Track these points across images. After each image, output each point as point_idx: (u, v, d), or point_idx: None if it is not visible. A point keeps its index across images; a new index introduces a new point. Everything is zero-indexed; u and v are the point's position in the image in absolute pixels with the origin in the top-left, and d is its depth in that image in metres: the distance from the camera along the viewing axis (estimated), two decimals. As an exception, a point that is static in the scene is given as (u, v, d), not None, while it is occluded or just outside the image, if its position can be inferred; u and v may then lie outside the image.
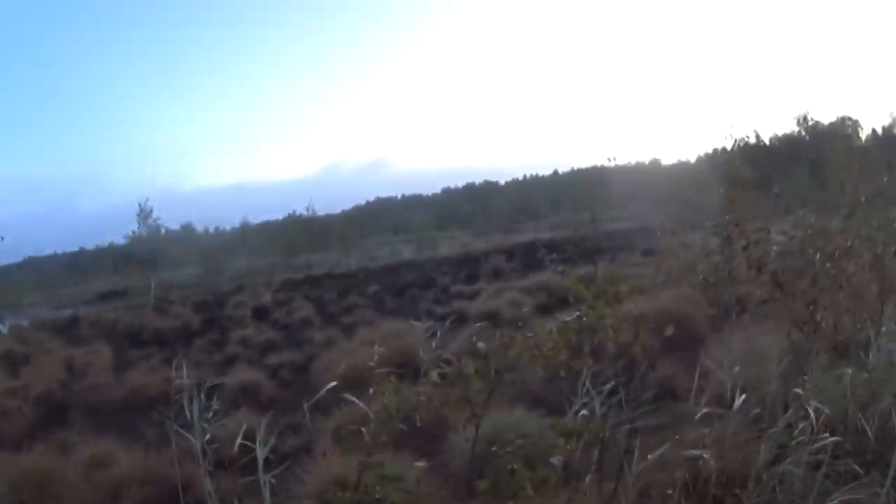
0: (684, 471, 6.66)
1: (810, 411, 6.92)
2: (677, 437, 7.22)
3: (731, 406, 7.61)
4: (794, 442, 6.76)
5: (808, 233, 10.53)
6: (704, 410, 7.48)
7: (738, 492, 6.51)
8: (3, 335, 31.78)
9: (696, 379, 8.38)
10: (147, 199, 37.88)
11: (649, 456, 6.72)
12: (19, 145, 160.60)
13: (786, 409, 7.45)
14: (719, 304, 11.22)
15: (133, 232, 37.59)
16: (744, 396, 7.63)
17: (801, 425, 6.83)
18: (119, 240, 45.17)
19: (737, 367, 8.37)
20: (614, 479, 6.61)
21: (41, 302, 44.05)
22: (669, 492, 6.51)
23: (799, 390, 7.48)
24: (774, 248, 10.64)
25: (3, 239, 22.25)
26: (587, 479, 6.96)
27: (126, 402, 17.37)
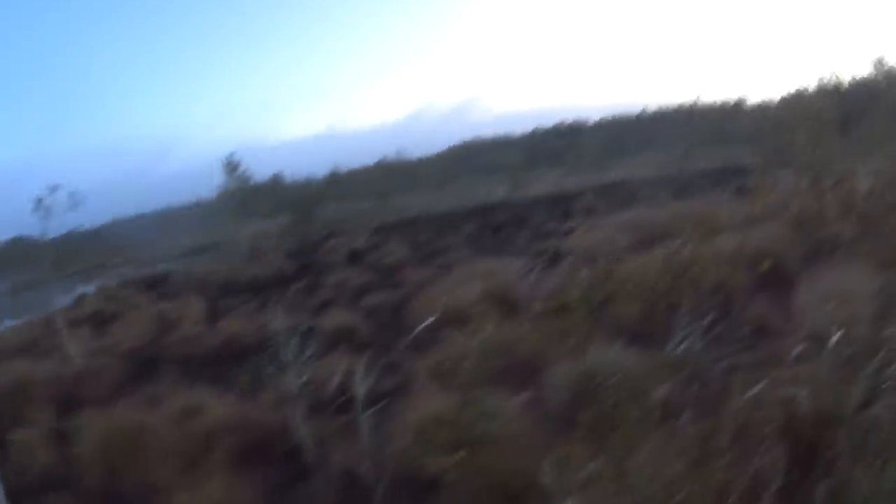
0: (779, 410, 6.62)
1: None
2: (773, 374, 7.21)
3: (824, 345, 7.58)
4: (884, 386, 6.72)
5: (892, 174, 10.44)
6: (799, 349, 7.42)
7: (831, 434, 6.45)
8: (90, 296, 31.91)
9: (789, 317, 8.32)
10: (234, 153, 37.70)
11: (747, 393, 6.70)
12: (103, 111, 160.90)
13: (876, 351, 7.41)
14: (810, 242, 11.12)
15: (221, 186, 37.34)
16: (837, 335, 7.59)
17: (891, 368, 6.78)
18: (207, 195, 44.86)
19: (829, 306, 8.32)
20: (711, 417, 6.62)
21: (129, 261, 44.26)
22: (765, 431, 6.46)
23: (890, 332, 7.43)
24: (860, 188, 10.54)
25: (82, 203, 22.19)
26: (686, 415, 7.00)
27: (219, 351, 17.39)
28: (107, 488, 10.23)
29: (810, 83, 35.53)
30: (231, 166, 35.34)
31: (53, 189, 21.37)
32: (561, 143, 62.65)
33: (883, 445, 6.05)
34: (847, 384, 7.02)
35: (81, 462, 10.75)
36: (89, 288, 34.82)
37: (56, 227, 22.65)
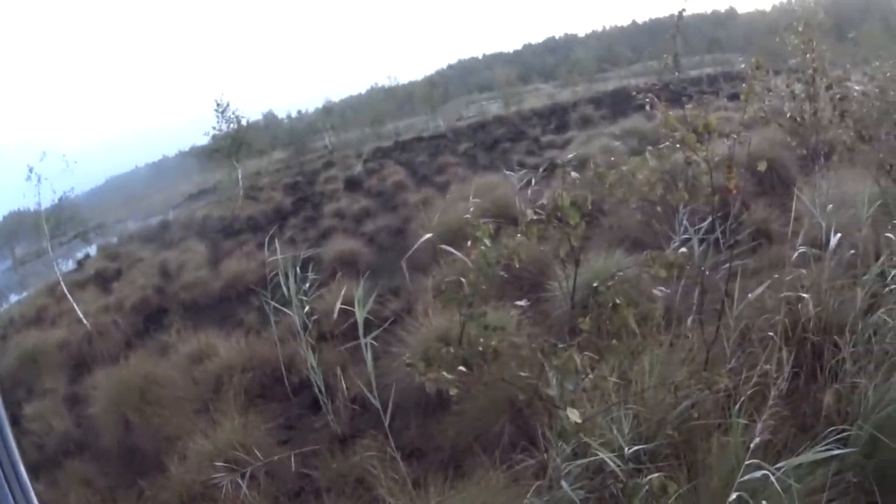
0: (783, 315, 6.66)
1: (902, 262, 6.93)
2: (776, 276, 7.29)
3: (825, 248, 7.63)
4: (886, 290, 6.74)
5: (886, 76, 10.43)
6: (800, 250, 7.45)
7: (835, 338, 6.48)
8: (92, 257, 31.79)
9: (788, 222, 8.34)
10: (222, 95, 37.35)
11: (749, 296, 6.74)
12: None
13: (877, 256, 7.44)
14: (807, 147, 11.13)
15: (214, 129, 36.89)
16: (838, 236, 7.63)
17: (893, 273, 6.81)
18: (201, 141, 44.24)
19: (829, 208, 8.37)
20: (715, 322, 6.69)
21: (128, 216, 43.87)
22: (770, 334, 6.50)
23: (890, 235, 7.47)
24: (855, 92, 10.52)
25: (75, 166, 22.10)
26: (688, 321, 7.05)
27: (223, 293, 17.65)
28: (123, 445, 10.38)
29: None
30: (220, 108, 34.95)
31: (44, 155, 21.20)
32: (553, 56, 62.19)
33: (887, 351, 6.09)
34: (850, 289, 7.08)
35: (97, 423, 10.91)
36: (90, 249, 34.61)
37: (50, 195, 22.51)
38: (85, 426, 11.30)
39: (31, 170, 21.06)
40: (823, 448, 4.76)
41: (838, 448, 4.80)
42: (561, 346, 5.06)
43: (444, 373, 5.04)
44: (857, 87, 10.69)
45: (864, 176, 10.15)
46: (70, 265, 29.96)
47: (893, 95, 10.03)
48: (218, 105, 35.12)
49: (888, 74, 10.56)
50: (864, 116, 10.20)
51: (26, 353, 15.65)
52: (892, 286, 6.68)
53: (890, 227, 7.66)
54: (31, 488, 3.16)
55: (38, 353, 15.66)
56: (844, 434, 5.15)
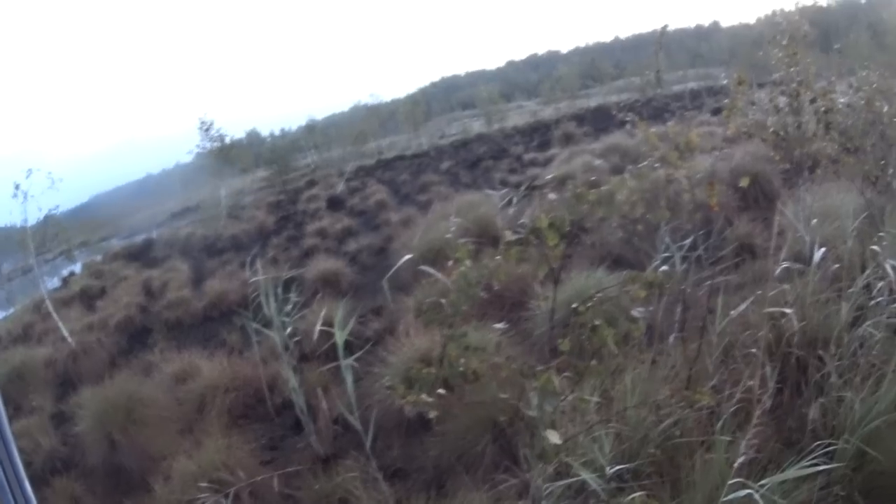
0: (767, 330, 6.61)
1: (888, 270, 6.87)
2: (759, 292, 7.22)
3: (809, 262, 7.60)
4: (872, 303, 6.70)
5: (872, 87, 10.41)
6: (784, 265, 7.42)
7: (820, 353, 6.45)
8: (77, 275, 31.73)
9: (773, 236, 8.31)
10: (206, 113, 37.27)
11: (731, 312, 6.69)
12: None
13: (863, 268, 7.41)
14: (791, 160, 11.10)
15: (197, 147, 36.82)
16: (822, 251, 7.60)
17: (878, 285, 6.78)
18: (185, 159, 44.09)
19: (814, 221, 8.36)
20: (697, 339, 6.64)
21: (112, 234, 43.72)
22: (753, 351, 6.46)
23: (875, 248, 7.43)
24: (840, 104, 10.49)
25: (60, 181, 22.09)
26: (671, 338, 7.01)
27: (207, 312, 17.60)
28: (109, 464, 10.30)
29: (787, 3, 35.86)
30: (204, 126, 34.94)
31: (30, 172, 21.18)
32: (535, 73, 62.25)
33: (873, 365, 6.05)
34: (834, 302, 7.04)
35: (83, 442, 10.84)
36: (76, 267, 34.51)
37: (36, 211, 22.52)
38: (71, 444, 11.29)
39: (17, 187, 21.06)
40: (810, 463, 4.74)
41: (825, 462, 4.79)
42: (540, 368, 5.01)
43: (425, 395, 5.00)
44: (842, 99, 10.67)
45: (849, 188, 10.16)
46: (55, 282, 29.92)
47: (879, 106, 9.99)
48: (202, 123, 35.19)
49: (874, 85, 10.51)
50: (850, 128, 10.18)
51: (13, 370, 15.53)
52: (879, 298, 6.64)
53: (875, 239, 7.61)
54: (31, 492, 3.14)
55: (25, 370, 15.52)
56: (831, 448, 5.12)
